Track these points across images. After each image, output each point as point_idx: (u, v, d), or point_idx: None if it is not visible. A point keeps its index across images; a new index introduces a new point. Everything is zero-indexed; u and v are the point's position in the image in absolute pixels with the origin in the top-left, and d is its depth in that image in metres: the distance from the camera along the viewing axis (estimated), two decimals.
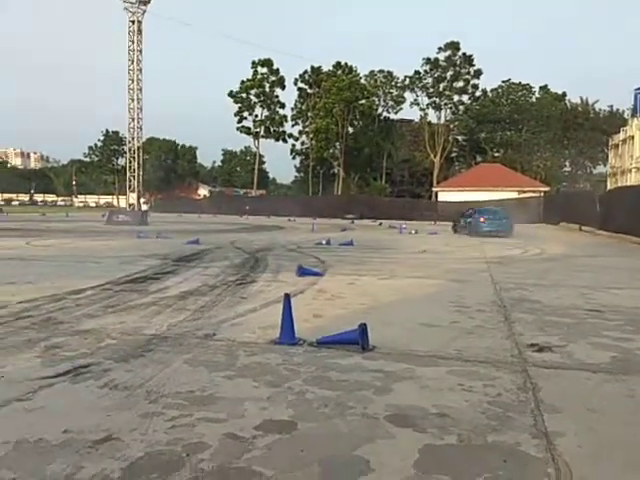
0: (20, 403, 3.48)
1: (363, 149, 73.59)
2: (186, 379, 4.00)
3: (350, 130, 73.55)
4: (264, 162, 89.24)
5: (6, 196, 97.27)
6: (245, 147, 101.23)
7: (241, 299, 7.45)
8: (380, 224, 37.34)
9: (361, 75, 74.37)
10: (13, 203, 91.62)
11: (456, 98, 71.70)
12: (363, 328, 4.85)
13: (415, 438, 3.07)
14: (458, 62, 69.76)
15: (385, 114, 78.09)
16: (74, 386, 3.85)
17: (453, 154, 76.86)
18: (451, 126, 72.93)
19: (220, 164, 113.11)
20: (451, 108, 72.57)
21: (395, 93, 77.49)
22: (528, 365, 4.50)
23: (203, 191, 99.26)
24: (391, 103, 78.36)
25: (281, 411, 3.42)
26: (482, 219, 24.50)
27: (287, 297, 5.13)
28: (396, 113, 78.34)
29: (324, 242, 17.64)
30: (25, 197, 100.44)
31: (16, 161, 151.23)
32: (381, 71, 77.46)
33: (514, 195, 46.24)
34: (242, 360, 4.53)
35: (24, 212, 56.62)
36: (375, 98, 75.58)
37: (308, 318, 6.18)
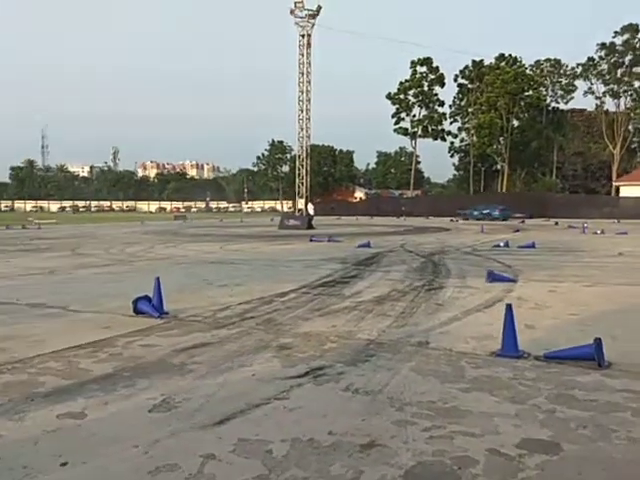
0: (279, 402, 3.81)
1: (530, 143, 69.36)
2: (422, 388, 4.06)
3: (515, 123, 69.89)
4: (419, 162, 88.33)
5: (186, 204, 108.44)
6: (400, 148, 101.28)
7: (438, 306, 7.40)
8: (556, 223, 34.81)
9: (526, 65, 70.17)
10: (192, 210, 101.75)
11: (637, 84, 64.43)
12: (598, 343, 4.52)
13: None
14: (638, 46, 62.69)
15: (554, 104, 72.88)
16: (319, 388, 4.11)
17: (634, 145, 69.11)
18: (632, 114, 65.61)
19: (374, 166, 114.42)
20: (631, 95, 65.34)
21: (564, 82, 72.02)
22: None
23: (359, 194, 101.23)
24: (560, 93, 72.98)
25: (536, 430, 3.31)
26: None
27: (509, 308, 4.97)
28: (566, 103, 72.80)
29: (502, 244, 16.90)
30: (201, 204, 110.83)
31: (192, 172, 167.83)
32: (548, 60, 72.47)
33: None
34: (469, 372, 4.47)
35: (203, 218, 62.47)
36: (542, 88, 70.85)
37: (520, 329, 5.91)
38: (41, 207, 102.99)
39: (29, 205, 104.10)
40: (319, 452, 3.03)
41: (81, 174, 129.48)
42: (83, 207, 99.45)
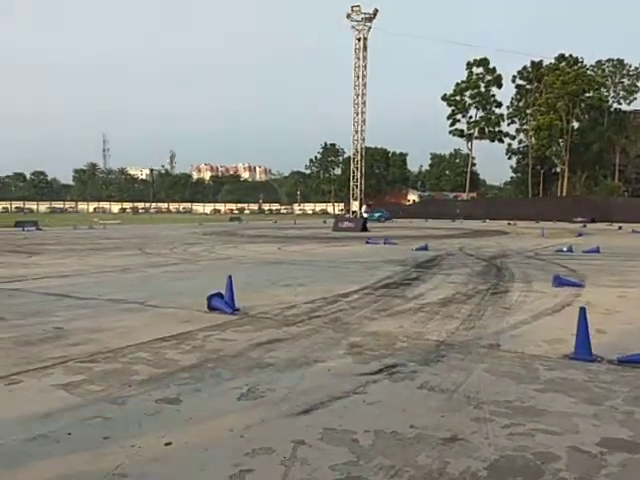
0: (358, 396, 3.97)
1: (591, 145, 67.01)
2: (497, 388, 4.13)
3: (575, 125, 67.71)
4: (475, 164, 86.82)
5: (239, 206, 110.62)
6: (455, 150, 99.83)
7: (505, 310, 7.38)
8: (619, 228, 33.52)
9: (587, 66, 67.87)
10: (245, 212, 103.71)
11: None
12: None
13: None
14: None
15: (616, 106, 70.15)
16: (394, 384, 4.25)
17: None
18: None
19: (428, 168, 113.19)
20: None
21: (627, 82, 69.31)
22: None
23: (412, 196, 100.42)
24: (623, 93, 70.29)
25: (616, 430, 3.34)
26: None
27: (583, 311, 4.95)
28: (629, 104, 69.99)
29: (565, 249, 16.49)
30: (254, 206, 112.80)
31: (245, 174, 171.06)
32: (610, 60, 69.90)
33: None
34: (544, 374, 4.51)
35: (257, 220, 63.61)
36: (604, 89, 68.34)
37: (591, 333, 5.84)
38: (103, 208, 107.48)
39: (92, 206, 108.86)
40: (404, 443, 3.17)
41: (140, 177, 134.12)
42: (142, 209, 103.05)
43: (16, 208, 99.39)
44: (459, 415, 3.60)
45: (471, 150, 78.08)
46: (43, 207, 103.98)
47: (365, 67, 31.38)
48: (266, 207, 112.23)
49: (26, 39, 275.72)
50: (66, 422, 3.44)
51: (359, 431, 3.33)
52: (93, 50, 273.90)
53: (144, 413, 3.61)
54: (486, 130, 72.87)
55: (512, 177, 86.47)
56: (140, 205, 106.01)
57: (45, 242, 21.76)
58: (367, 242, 21.67)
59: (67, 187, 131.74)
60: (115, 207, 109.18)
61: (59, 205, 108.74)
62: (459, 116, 73.23)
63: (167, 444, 3.15)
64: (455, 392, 4.05)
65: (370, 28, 31.06)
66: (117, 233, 29.58)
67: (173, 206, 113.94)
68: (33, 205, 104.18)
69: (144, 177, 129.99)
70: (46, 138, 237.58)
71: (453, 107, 72.55)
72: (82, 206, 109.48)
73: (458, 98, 71.90)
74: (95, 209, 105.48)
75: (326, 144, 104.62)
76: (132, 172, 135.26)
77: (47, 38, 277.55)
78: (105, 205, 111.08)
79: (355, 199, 35.05)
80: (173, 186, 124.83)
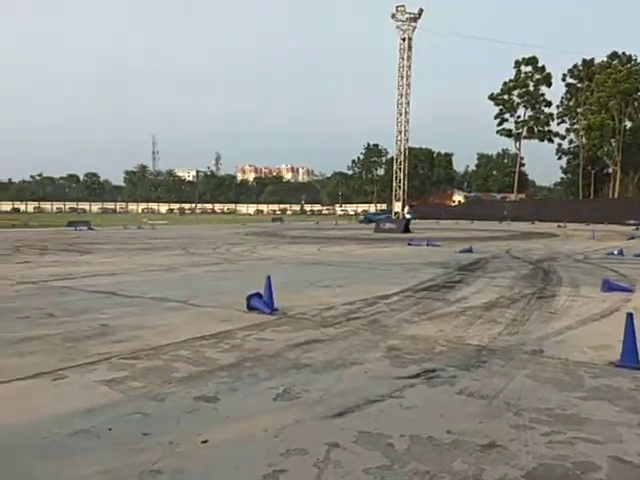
0: (394, 400, 3.93)
1: None
2: (538, 395, 4.02)
3: (628, 125, 65.09)
4: (523, 164, 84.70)
5: (282, 207, 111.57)
6: (502, 149, 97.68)
7: (550, 314, 7.18)
8: None
9: None
10: (287, 212, 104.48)
11: None
12: None
13: None
14: None
15: None
16: (432, 389, 4.19)
17: None
18: None
19: (474, 168, 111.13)
20: None
21: None
22: None
23: (458, 197, 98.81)
24: None
25: None
26: None
27: (630, 317, 4.76)
28: None
29: (615, 252, 15.89)
30: (296, 207, 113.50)
31: (287, 176, 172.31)
32: None
33: None
34: (588, 381, 4.35)
35: (299, 220, 63.95)
36: None
37: (639, 339, 5.64)
38: (151, 209, 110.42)
39: (141, 207, 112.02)
40: (440, 449, 3.12)
41: (187, 178, 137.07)
42: (188, 209, 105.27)
43: (70, 208, 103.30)
44: (498, 422, 3.52)
45: (519, 150, 76.34)
46: (95, 208, 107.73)
47: (409, 67, 31.13)
48: (308, 208, 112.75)
49: (89, 44, 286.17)
50: (107, 417, 3.54)
51: (394, 435, 3.30)
52: (156, 58, 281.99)
53: (182, 410, 3.68)
54: (535, 130, 71.05)
55: (562, 178, 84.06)
56: (186, 206, 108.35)
57: (96, 241, 22.52)
58: (409, 244, 21.44)
59: (118, 188, 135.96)
60: (163, 208, 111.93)
61: (110, 206, 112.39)
62: (507, 115, 71.70)
63: (203, 442, 3.20)
64: (495, 398, 3.96)
65: (415, 28, 30.83)
66: (164, 233, 30.33)
67: (218, 207, 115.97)
68: (86, 206, 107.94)
69: (191, 179, 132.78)
70: (100, 141, 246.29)
71: (501, 106, 71.03)
72: (132, 207, 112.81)
73: (506, 97, 70.35)
74: (144, 210, 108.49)
75: (369, 145, 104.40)
76: (179, 174, 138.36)
77: (106, 44, 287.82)
78: (154, 206, 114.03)
79: (398, 200, 34.79)
80: (218, 187, 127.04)
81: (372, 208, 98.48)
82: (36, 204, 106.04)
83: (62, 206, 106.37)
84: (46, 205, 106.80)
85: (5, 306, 7.58)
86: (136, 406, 3.74)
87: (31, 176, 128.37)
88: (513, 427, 3.42)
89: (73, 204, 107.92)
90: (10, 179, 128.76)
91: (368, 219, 50.93)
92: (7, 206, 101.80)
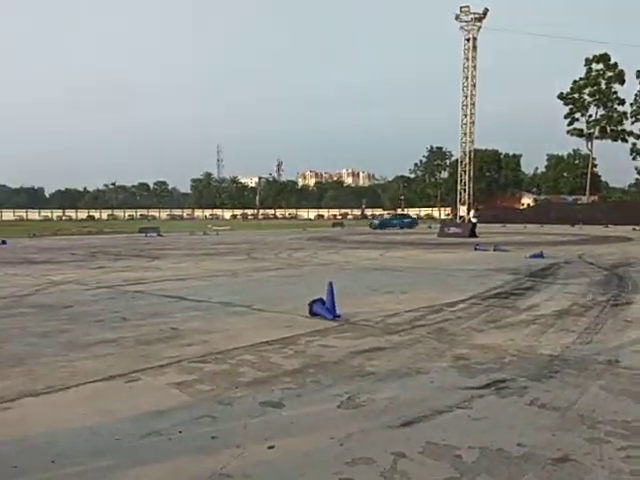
0: (462, 411, 3.83)
1: None
2: (614, 407, 3.81)
3: None
4: (596, 165, 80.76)
5: (342, 211, 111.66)
6: (573, 150, 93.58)
7: (627, 323, 6.80)
8: None
9: None
10: (348, 217, 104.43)
11: None
12: None
13: None
14: None
15: None
16: (502, 400, 4.05)
17: None
18: None
19: (544, 170, 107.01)
20: None
21: None
22: None
23: (526, 200, 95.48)
24: None
25: None
26: None
27: None
28: None
29: None
30: (357, 212, 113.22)
31: (348, 180, 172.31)
32: None
33: None
34: None
35: (360, 225, 63.71)
36: None
37: None
38: (216, 215, 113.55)
39: (206, 213, 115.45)
40: (510, 462, 3.01)
41: (250, 185, 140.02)
42: (251, 215, 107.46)
43: (140, 215, 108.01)
44: (571, 434, 3.36)
45: (591, 150, 72.85)
46: (164, 214, 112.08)
47: (474, 67, 30.46)
48: (369, 212, 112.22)
49: (143, 59, 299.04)
50: (178, 420, 3.65)
51: (463, 447, 3.21)
52: (214, 66, 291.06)
53: (249, 415, 3.74)
54: (608, 129, 67.62)
55: (637, 179, 79.58)
56: (249, 212, 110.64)
57: (165, 247, 23.39)
58: (475, 248, 20.89)
59: (185, 195, 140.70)
60: (227, 214, 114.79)
61: (178, 212, 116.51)
62: (578, 115, 68.61)
63: (270, 447, 3.24)
64: (568, 410, 3.79)
65: (480, 28, 30.14)
66: (228, 239, 31.09)
67: (279, 212, 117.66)
68: (155, 212, 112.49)
69: (253, 185, 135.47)
70: (168, 150, 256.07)
71: (571, 106, 68.12)
72: (198, 213, 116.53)
73: (576, 96, 67.38)
74: (209, 216, 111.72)
75: (432, 147, 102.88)
76: (243, 180, 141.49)
77: (167, 57, 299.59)
78: (218, 212, 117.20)
79: (463, 203, 34.04)
80: (280, 193, 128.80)
81: (435, 212, 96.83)
82: (109, 211, 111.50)
83: (133, 213, 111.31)
84: (119, 212, 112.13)
85: (82, 310, 7.99)
86: (205, 409, 3.84)
87: (105, 185, 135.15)
88: (587, 440, 3.26)
89: (144, 211, 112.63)
90: (85, 187, 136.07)
91: (381, 224, 47.52)
92: (83, 214, 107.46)
